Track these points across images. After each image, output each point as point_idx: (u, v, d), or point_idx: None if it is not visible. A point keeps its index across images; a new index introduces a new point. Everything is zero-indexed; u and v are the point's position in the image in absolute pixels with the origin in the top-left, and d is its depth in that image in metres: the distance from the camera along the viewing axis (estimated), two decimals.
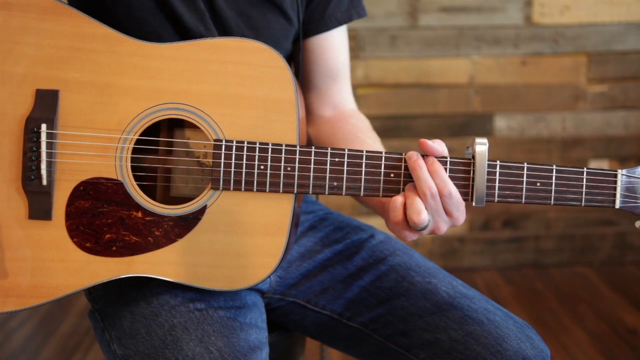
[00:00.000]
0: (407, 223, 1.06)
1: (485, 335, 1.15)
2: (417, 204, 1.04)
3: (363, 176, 1.09)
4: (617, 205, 1.09)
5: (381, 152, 1.09)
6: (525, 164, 1.08)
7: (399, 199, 1.06)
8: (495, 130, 3.00)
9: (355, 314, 1.27)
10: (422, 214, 1.04)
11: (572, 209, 3.09)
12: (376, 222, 1.44)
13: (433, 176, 1.05)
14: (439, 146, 1.07)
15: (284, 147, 1.09)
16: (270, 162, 1.09)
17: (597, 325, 2.64)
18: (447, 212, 1.06)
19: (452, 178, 1.07)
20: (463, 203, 1.07)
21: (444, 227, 1.07)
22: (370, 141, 1.27)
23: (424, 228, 1.05)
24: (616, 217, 3.10)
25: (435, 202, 1.05)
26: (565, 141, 3.04)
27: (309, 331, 1.35)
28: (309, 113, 1.37)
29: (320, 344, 1.48)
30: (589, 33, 2.95)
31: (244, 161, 1.09)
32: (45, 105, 1.10)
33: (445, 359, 1.17)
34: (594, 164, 3.05)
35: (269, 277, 1.15)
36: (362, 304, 1.27)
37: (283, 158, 1.09)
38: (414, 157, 1.07)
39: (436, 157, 1.07)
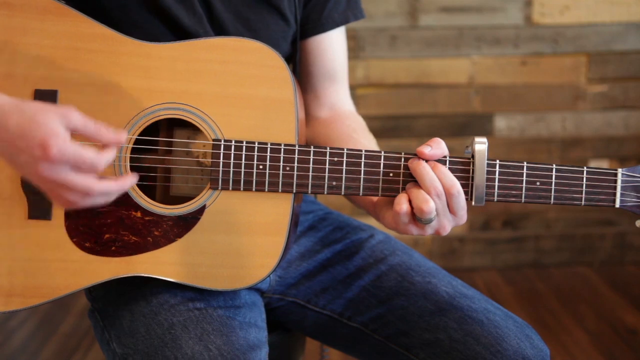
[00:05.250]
0: (413, 216, 1.06)
1: (485, 335, 1.15)
2: (424, 193, 1.04)
3: (362, 176, 1.09)
4: (617, 204, 1.09)
5: (380, 152, 1.09)
6: (525, 163, 1.08)
7: (402, 194, 1.06)
8: (495, 130, 3.00)
9: (355, 314, 1.27)
10: (430, 202, 1.04)
11: (572, 209, 3.09)
12: (376, 222, 1.44)
13: (440, 176, 1.05)
14: (437, 150, 1.06)
15: (282, 147, 1.09)
16: (269, 161, 1.09)
17: (597, 325, 2.63)
18: (452, 211, 1.06)
19: None
20: (465, 202, 1.08)
21: (448, 227, 1.08)
22: (364, 141, 1.27)
23: (431, 220, 1.05)
24: (616, 217, 3.09)
25: (441, 200, 1.05)
26: (565, 141, 3.04)
27: (309, 331, 1.35)
28: (306, 114, 1.37)
29: (320, 344, 1.48)
30: (589, 33, 2.95)
31: (243, 161, 1.09)
32: None
33: (445, 359, 1.17)
34: (594, 164, 3.05)
35: (268, 276, 1.15)
36: (362, 303, 1.27)
37: (282, 158, 1.09)
38: (415, 159, 1.07)
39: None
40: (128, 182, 1.00)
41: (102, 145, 0.98)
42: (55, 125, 0.93)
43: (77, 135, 0.96)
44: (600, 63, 2.98)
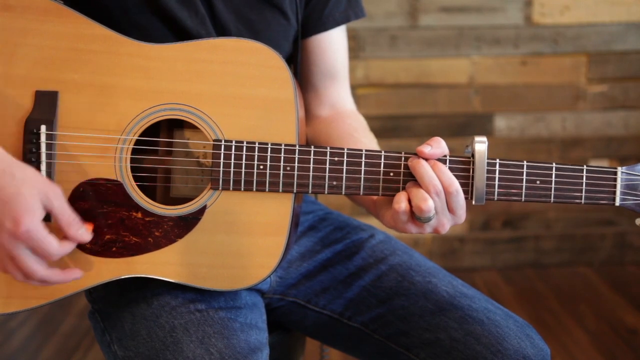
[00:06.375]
0: (412, 215, 1.06)
1: (485, 335, 1.15)
2: (423, 192, 1.04)
3: (362, 175, 1.09)
4: (617, 202, 1.09)
5: (380, 151, 1.09)
6: (525, 162, 1.08)
7: (401, 192, 1.07)
8: (495, 130, 3.01)
9: (355, 314, 1.27)
10: (428, 201, 1.04)
11: (572, 209, 3.09)
12: (376, 222, 1.44)
13: (439, 174, 1.05)
14: (437, 150, 1.07)
15: (283, 147, 1.09)
16: (270, 161, 1.09)
17: (597, 325, 2.64)
18: (451, 210, 1.07)
19: None
20: (464, 201, 1.08)
21: (447, 225, 1.08)
22: (365, 140, 1.27)
23: (430, 219, 1.05)
24: (616, 217, 3.10)
25: (440, 199, 1.05)
26: (565, 141, 3.04)
27: (309, 331, 1.35)
28: (307, 113, 1.37)
29: (320, 344, 1.48)
30: (589, 33, 2.95)
31: (244, 161, 1.09)
32: (45, 106, 1.10)
33: (445, 359, 1.17)
34: (594, 164, 3.05)
35: (269, 277, 1.14)
36: (363, 303, 1.27)
37: (282, 158, 1.09)
38: (415, 158, 1.07)
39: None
40: (71, 277, 1.06)
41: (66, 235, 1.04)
42: (34, 202, 0.99)
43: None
44: (600, 63, 2.98)
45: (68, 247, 1.04)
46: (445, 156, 1.08)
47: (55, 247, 1.01)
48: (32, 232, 0.98)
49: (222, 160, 1.09)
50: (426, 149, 1.06)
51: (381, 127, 2.95)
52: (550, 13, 2.93)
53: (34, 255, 1.01)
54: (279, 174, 1.09)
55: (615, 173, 1.09)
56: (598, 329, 2.60)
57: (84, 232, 1.06)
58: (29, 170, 1.01)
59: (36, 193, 0.99)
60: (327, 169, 1.09)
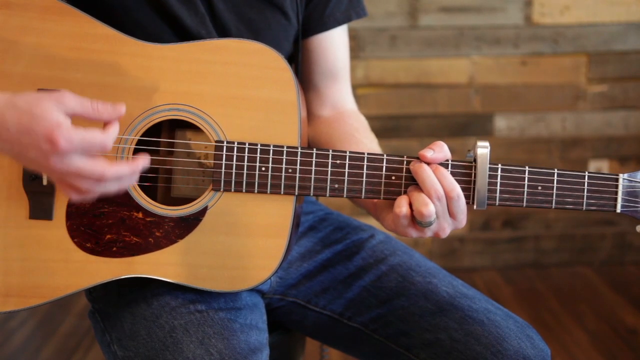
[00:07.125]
0: (413, 219, 1.06)
1: (485, 335, 1.15)
2: (424, 197, 1.04)
3: (364, 178, 1.09)
4: (619, 209, 1.09)
5: (382, 155, 1.09)
6: (527, 168, 1.08)
7: (402, 196, 1.07)
8: (495, 130, 3.01)
9: (355, 314, 1.27)
10: (429, 205, 1.03)
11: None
12: (376, 222, 1.44)
13: (440, 179, 1.05)
14: (439, 154, 1.06)
15: (285, 149, 1.09)
16: (272, 163, 1.09)
17: (597, 325, 2.64)
18: (452, 214, 1.07)
19: None
20: (466, 206, 1.08)
21: (448, 230, 1.08)
22: (366, 141, 1.27)
23: (430, 223, 1.05)
24: (616, 217, 3.10)
25: (441, 204, 1.05)
26: (565, 141, 3.04)
27: (309, 331, 1.35)
28: (308, 113, 1.37)
29: (320, 344, 1.48)
30: (589, 33, 2.95)
31: (245, 162, 1.09)
32: None
33: (446, 359, 1.17)
34: (594, 164, 3.05)
35: (270, 278, 1.15)
36: (363, 304, 1.27)
37: (284, 160, 1.09)
38: (417, 162, 1.07)
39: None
40: (140, 164, 0.98)
41: (104, 123, 0.97)
42: (54, 114, 0.92)
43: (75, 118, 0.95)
44: (600, 63, 2.98)
45: (112, 129, 0.97)
46: (447, 160, 1.08)
47: (101, 135, 0.94)
48: (71, 139, 0.91)
49: (224, 161, 1.09)
50: (428, 153, 1.06)
51: (381, 127, 2.95)
52: (550, 13, 2.93)
53: (91, 158, 0.94)
54: (281, 175, 1.09)
55: (616, 180, 1.09)
56: (598, 329, 2.61)
57: (114, 108, 0.97)
58: (26, 94, 0.95)
59: (49, 107, 0.92)
60: (329, 171, 1.09)
